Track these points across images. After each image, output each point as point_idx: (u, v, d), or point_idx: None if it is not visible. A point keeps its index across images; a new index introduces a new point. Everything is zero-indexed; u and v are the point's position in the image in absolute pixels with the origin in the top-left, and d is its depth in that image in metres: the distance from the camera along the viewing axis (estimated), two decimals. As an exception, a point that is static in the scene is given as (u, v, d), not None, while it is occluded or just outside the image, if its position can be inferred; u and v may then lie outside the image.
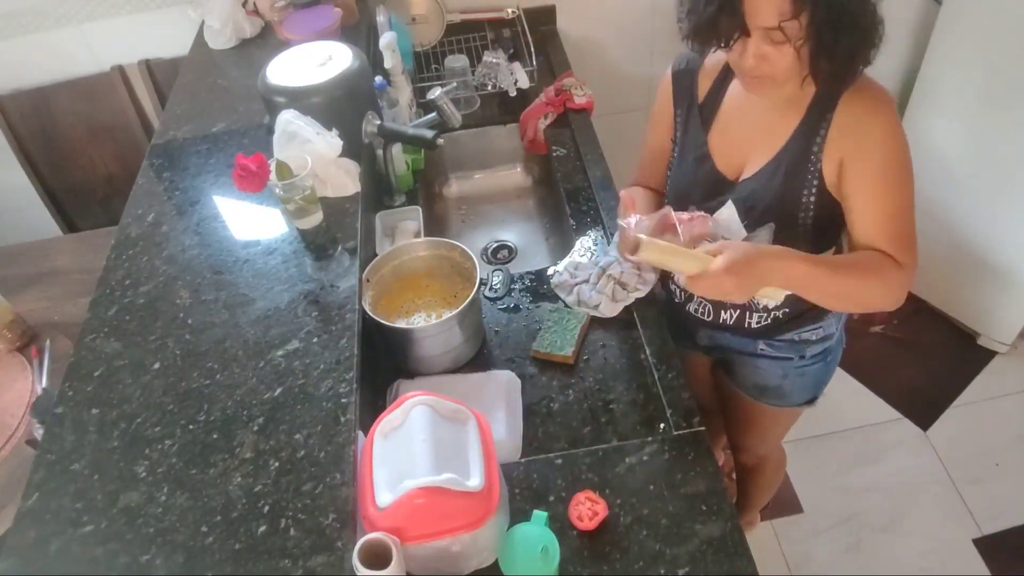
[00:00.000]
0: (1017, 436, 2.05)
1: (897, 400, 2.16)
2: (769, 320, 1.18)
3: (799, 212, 1.03)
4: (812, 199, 1.02)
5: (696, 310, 1.24)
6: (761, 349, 1.23)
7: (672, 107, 1.16)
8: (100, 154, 2.09)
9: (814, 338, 1.20)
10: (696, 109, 1.12)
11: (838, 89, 0.98)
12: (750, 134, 1.07)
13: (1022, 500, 1.91)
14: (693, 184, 1.13)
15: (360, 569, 0.78)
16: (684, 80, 1.14)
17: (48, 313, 1.63)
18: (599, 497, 0.99)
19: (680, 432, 1.09)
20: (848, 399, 2.18)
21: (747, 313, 1.18)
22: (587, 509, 0.98)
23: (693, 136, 1.13)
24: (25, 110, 1.99)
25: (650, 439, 1.08)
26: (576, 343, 1.21)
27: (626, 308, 1.27)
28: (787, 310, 1.16)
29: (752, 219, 1.06)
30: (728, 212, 1.08)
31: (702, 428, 1.09)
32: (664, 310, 1.27)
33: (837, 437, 2.10)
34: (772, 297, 1.06)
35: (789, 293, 1.05)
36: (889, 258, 0.99)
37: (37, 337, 1.56)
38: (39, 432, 1.19)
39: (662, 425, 1.11)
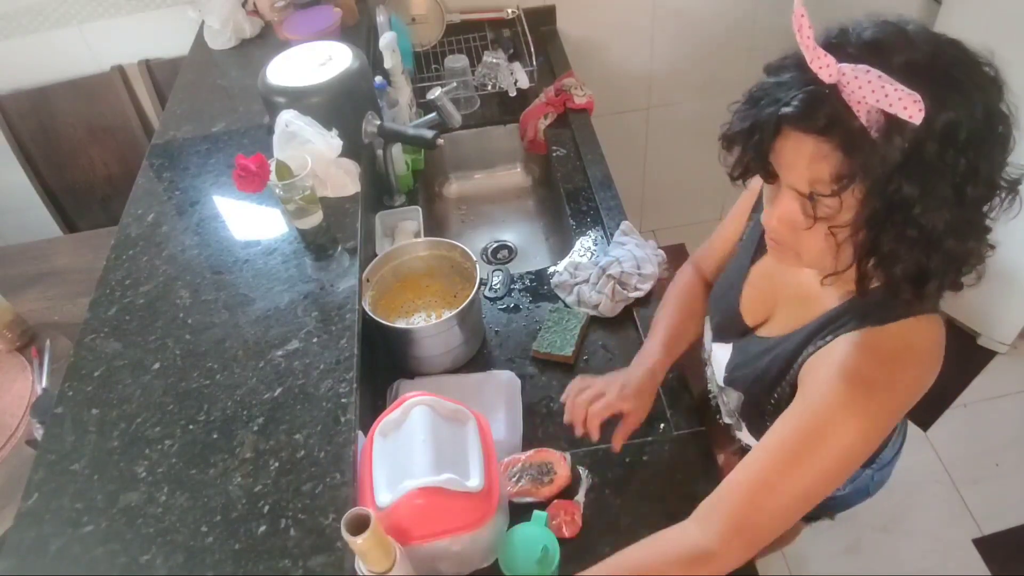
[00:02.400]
0: (1017, 436, 2.05)
1: (897, 400, 2.16)
2: (743, 423, 1.04)
3: (768, 405, 0.89)
4: (782, 404, 0.84)
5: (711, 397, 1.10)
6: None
7: (751, 211, 1.00)
8: (100, 154, 2.09)
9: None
10: (759, 229, 0.93)
11: (888, 311, 0.75)
12: (788, 290, 0.90)
13: (1022, 500, 1.91)
14: (719, 302, 1.01)
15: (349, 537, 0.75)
16: None
17: (48, 313, 1.63)
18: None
19: (680, 432, 1.09)
20: (848, 399, 2.18)
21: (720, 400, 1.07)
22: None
23: (742, 256, 0.98)
24: (25, 110, 1.99)
25: (650, 439, 1.08)
26: (576, 343, 1.21)
27: (626, 308, 1.27)
28: None
29: (734, 377, 0.96)
30: (721, 355, 0.99)
31: (702, 428, 1.09)
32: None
33: (837, 437, 2.10)
34: None
35: None
36: (700, 552, 0.78)
37: (37, 337, 1.56)
38: (39, 432, 1.19)
39: (662, 425, 1.11)
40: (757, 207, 0.97)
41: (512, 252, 1.68)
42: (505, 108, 1.82)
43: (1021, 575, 1.79)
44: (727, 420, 1.04)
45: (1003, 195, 0.68)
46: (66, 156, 2.07)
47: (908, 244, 0.66)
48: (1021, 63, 1.78)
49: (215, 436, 0.92)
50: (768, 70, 0.71)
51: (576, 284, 1.30)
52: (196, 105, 1.56)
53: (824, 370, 0.77)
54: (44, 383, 1.46)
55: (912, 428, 2.09)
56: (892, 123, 0.61)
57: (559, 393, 1.17)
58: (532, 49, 1.80)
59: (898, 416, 0.77)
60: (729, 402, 0.99)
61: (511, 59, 1.83)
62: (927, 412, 2.13)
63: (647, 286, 1.27)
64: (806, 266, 0.77)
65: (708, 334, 1.05)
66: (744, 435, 1.02)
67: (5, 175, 2.06)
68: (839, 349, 0.77)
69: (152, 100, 2.01)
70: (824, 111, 0.63)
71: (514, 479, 1.02)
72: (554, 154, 1.67)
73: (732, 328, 0.97)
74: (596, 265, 1.31)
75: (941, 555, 1.83)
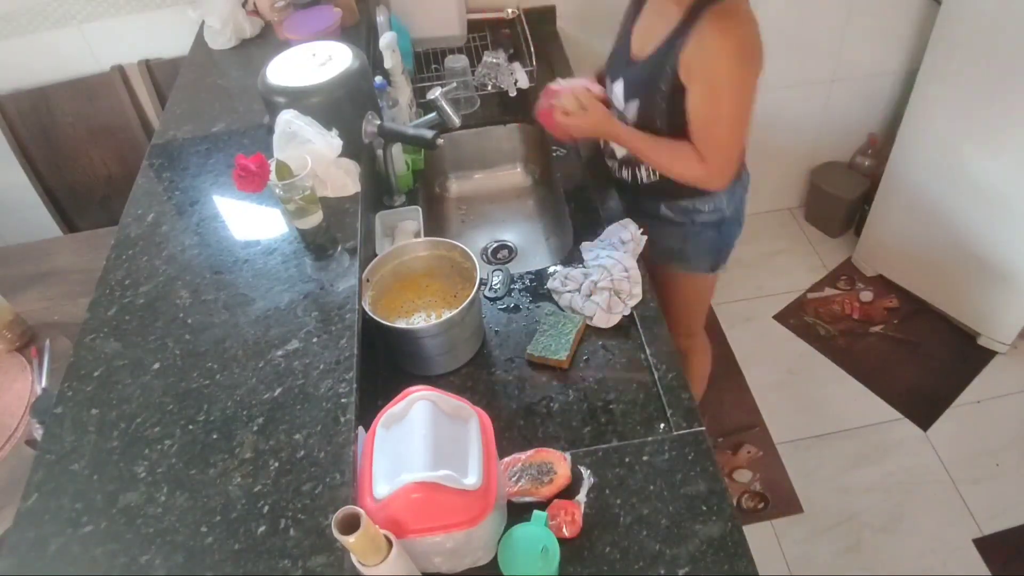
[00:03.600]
0: (1017, 436, 2.06)
1: (897, 400, 2.16)
2: (656, 177, 1.43)
3: (657, 96, 1.28)
4: (665, 88, 1.26)
5: (616, 172, 1.53)
6: (663, 212, 1.48)
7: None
8: (100, 154, 2.09)
9: (705, 209, 1.45)
10: (634, 4, 1.40)
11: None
12: (653, 25, 1.30)
13: (1022, 500, 1.92)
14: (617, 54, 1.42)
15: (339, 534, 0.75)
16: None
17: (48, 313, 1.63)
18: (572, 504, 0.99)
19: (680, 432, 1.09)
20: (848, 399, 2.19)
21: (635, 169, 1.47)
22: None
23: (626, 23, 1.41)
24: (25, 110, 1.99)
25: (650, 439, 1.08)
26: (571, 347, 1.20)
27: (626, 308, 1.27)
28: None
29: (630, 92, 1.36)
30: (619, 87, 1.38)
31: (702, 428, 1.09)
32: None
33: (837, 437, 2.10)
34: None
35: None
36: (697, 153, 1.27)
37: (37, 337, 1.56)
38: (39, 432, 1.19)
39: (662, 425, 1.11)
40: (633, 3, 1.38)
41: (512, 252, 1.68)
42: (505, 108, 1.82)
43: (1021, 575, 1.79)
44: (619, 155, 1.48)
45: None
46: (66, 156, 2.07)
47: None
48: (1021, 63, 1.79)
49: (215, 436, 0.92)
50: None
51: (567, 292, 1.30)
52: (196, 105, 1.56)
53: (696, 50, 1.18)
54: (44, 383, 1.46)
55: (912, 428, 2.10)
56: None
57: (559, 393, 1.17)
58: (532, 49, 1.80)
59: (753, 43, 1.18)
60: (629, 115, 1.37)
61: (511, 59, 1.83)
62: (927, 412, 2.13)
63: (639, 290, 1.27)
64: None
65: (609, 82, 1.44)
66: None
67: (5, 175, 2.06)
68: (697, 35, 1.17)
69: (152, 100, 2.02)
70: None
71: (514, 479, 1.02)
72: (554, 154, 1.67)
73: (623, 65, 1.37)
74: (587, 277, 1.30)
75: (941, 555, 1.83)
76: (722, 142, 1.26)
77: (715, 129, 1.25)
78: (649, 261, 1.46)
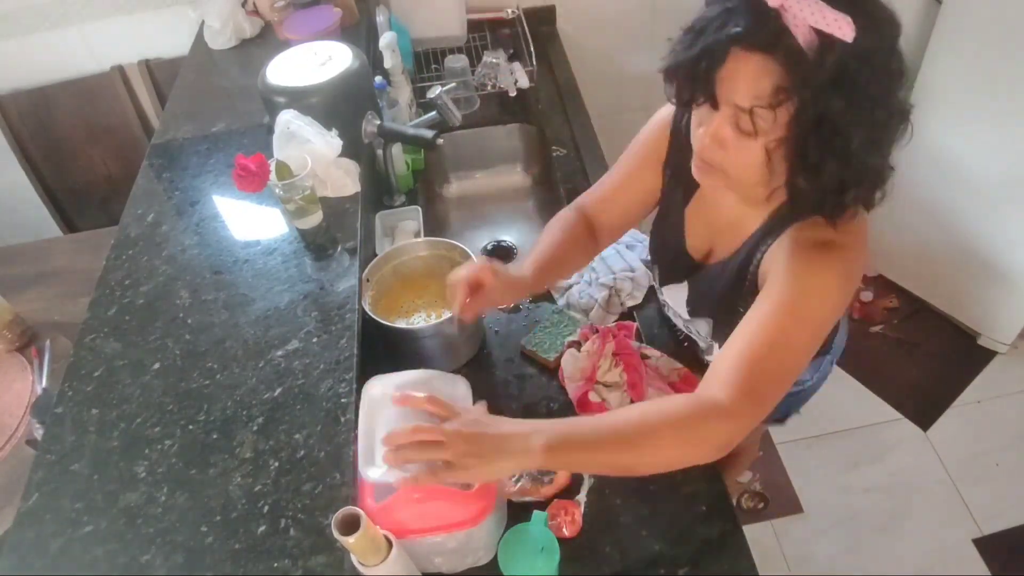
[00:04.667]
0: (1017, 436, 2.05)
1: (897, 400, 2.16)
2: (715, 344, 1.09)
3: (735, 316, 0.86)
4: (743, 309, 0.86)
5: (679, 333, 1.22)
6: None
7: (665, 157, 1.03)
8: (100, 154, 2.09)
9: (791, 389, 0.99)
10: (683, 175, 0.96)
11: (820, 215, 0.82)
12: (721, 221, 0.98)
13: (1022, 500, 1.91)
14: (664, 249, 1.08)
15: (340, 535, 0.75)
16: (681, 137, 0.97)
17: (48, 313, 1.62)
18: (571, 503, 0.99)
19: (680, 432, 1.08)
20: (848, 399, 2.18)
21: (691, 341, 1.18)
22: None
23: (675, 203, 1.03)
24: (25, 110, 1.99)
25: (650, 439, 1.08)
26: (562, 350, 1.20)
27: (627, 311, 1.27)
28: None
29: (697, 308, 1.04)
30: (677, 295, 1.06)
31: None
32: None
33: (837, 437, 2.10)
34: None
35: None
36: (711, 403, 0.78)
37: (37, 337, 1.56)
38: (39, 432, 1.19)
39: (662, 425, 1.10)
40: (668, 161, 1.03)
41: (512, 252, 1.68)
42: (505, 108, 1.82)
43: (1021, 575, 1.79)
44: (702, 344, 1.14)
45: (899, 123, 0.78)
46: (66, 156, 2.07)
47: (832, 155, 0.74)
48: (1021, 63, 1.79)
49: (215, 436, 0.92)
50: (710, 2, 0.77)
51: (567, 287, 1.30)
52: (196, 105, 1.56)
53: (782, 253, 0.85)
54: (44, 383, 1.46)
55: (912, 428, 2.10)
56: (824, 43, 0.69)
57: (559, 393, 1.17)
58: (532, 49, 1.80)
59: (855, 272, 0.85)
60: (700, 331, 1.08)
61: (511, 59, 1.83)
62: (927, 412, 2.13)
63: (640, 293, 1.27)
64: (732, 185, 0.85)
65: (657, 282, 1.15)
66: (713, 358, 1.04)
67: (5, 175, 2.06)
68: (788, 237, 0.85)
69: (152, 100, 2.01)
70: (770, 28, 0.71)
71: (514, 479, 1.02)
72: (554, 154, 1.67)
73: (682, 269, 1.05)
74: (588, 268, 1.30)
75: (941, 555, 1.83)
76: (770, 385, 0.81)
77: (767, 366, 0.80)
78: None
